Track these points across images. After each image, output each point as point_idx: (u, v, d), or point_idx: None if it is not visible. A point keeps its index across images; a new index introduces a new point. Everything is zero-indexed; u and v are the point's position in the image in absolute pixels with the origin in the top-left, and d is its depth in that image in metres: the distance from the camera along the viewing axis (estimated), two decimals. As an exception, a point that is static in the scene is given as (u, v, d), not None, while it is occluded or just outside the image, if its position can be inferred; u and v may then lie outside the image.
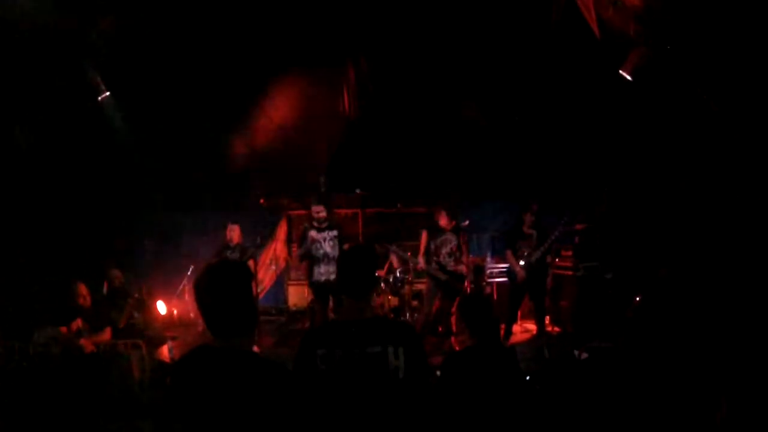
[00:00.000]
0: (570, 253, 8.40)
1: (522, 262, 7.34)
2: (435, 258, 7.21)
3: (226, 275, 2.17)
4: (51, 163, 7.28)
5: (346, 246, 8.32)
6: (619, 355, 5.70)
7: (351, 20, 7.88)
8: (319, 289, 6.93)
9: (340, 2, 7.56)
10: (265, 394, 2.02)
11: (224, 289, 2.12)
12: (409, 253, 7.84)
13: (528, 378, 5.58)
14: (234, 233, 7.71)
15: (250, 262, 7.23)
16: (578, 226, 8.66)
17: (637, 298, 6.55)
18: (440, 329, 7.63)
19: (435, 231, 7.26)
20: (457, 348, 3.84)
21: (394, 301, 8.78)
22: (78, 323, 5.67)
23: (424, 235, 7.34)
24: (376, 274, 2.76)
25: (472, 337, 3.58)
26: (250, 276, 2.26)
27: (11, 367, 5.41)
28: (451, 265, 7.17)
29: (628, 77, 6.64)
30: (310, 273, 7.01)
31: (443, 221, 7.22)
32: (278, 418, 2.01)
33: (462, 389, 3.26)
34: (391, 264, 8.83)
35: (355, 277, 2.59)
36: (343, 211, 10.74)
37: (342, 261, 2.73)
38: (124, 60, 6.69)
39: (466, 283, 7.65)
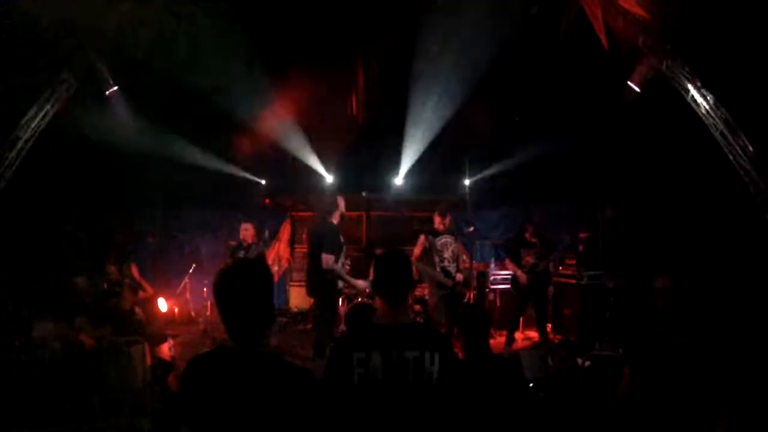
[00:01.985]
0: (573, 261, 8.41)
1: (527, 270, 7.34)
2: (439, 264, 7.15)
3: (247, 276, 2.14)
4: (54, 157, 7.29)
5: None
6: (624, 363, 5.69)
7: (361, 23, 7.89)
8: None
9: (350, 5, 7.56)
10: (289, 398, 2.00)
11: (245, 290, 2.09)
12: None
13: (531, 385, 5.60)
14: (248, 233, 7.61)
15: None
16: (582, 235, 8.67)
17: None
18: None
19: (433, 234, 7.16)
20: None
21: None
22: (79, 319, 5.66)
23: (421, 239, 7.21)
24: (412, 279, 2.75)
25: (463, 347, 3.61)
26: (270, 275, 2.21)
27: (11, 361, 5.42)
28: (454, 269, 7.10)
29: (637, 88, 6.63)
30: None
31: (437, 223, 7.13)
32: (300, 422, 1.99)
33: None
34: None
35: (393, 281, 2.60)
36: (348, 214, 10.72)
37: (379, 266, 2.70)
38: (133, 55, 6.70)
39: (468, 293, 7.61)
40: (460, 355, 3.94)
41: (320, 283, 6.04)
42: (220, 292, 2.11)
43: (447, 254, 6.97)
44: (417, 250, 7.07)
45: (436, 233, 7.03)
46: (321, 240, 5.98)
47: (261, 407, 1.97)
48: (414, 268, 7.13)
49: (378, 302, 2.65)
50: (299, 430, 1.99)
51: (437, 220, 7.08)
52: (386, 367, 2.41)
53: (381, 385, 2.41)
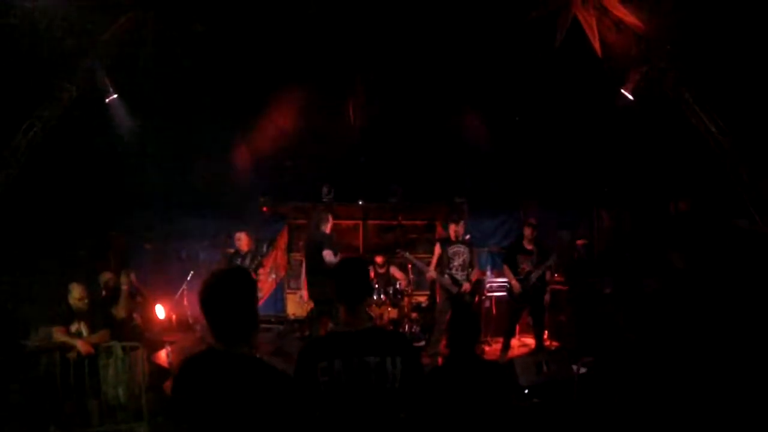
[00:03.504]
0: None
1: (521, 277, 7.39)
2: (447, 270, 7.25)
3: (230, 283, 2.26)
4: (53, 163, 7.33)
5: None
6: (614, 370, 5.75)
7: (359, 34, 7.97)
8: None
9: (349, 16, 7.65)
10: (267, 397, 2.10)
11: (228, 296, 2.21)
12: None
13: (526, 391, 5.64)
14: (242, 242, 7.72)
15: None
16: (578, 242, 8.72)
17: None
18: None
19: (447, 243, 7.35)
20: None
21: (393, 312, 8.78)
22: (77, 324, 5.68)
23: (437, 248, 7.46)
24: (370, 284, 2.84)
25: (446, 348, 3.65)
26: (253, 283, 2.35)
27: (8, 366, 5.43)
28: (464, 277, 7.20)
29: (630, 96, 6.72)
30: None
31: (453, 233, 7.32)
32: (278, 420, 2.08)
33: (438, 403, 3.28)
34: (392, 276, 8.87)
35: (351, 286, 2.66)
36: (344, 222, 10.78)
37: (338, 272, 2.76)
38: (133, 62, 6.78)
39: (476, 298, 7.69)
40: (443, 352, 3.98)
41: (322, 286, 6.36)
42: (203, 296, 2.23)
43: (457, 262, 7.24)
44: (434, 260, 7.43)
45: (449, 242, 7.32)
46: (320, 242, 6.48)
47: (240, 405, 2.07)
48: (430, 274, 7.35)
49: (340, 309, 2.69)
50: (276, 428, 2.08)
51: (451, 229, 7.32)
52: (348, 374, 2.45)
53: (345, 392, 2.45)
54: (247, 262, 7.49)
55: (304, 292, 7.54)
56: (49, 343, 5.56)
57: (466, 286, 7.12)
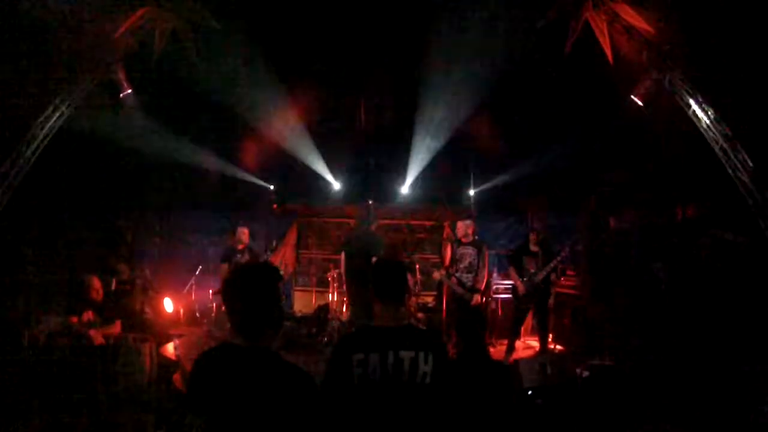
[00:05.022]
0: (574, 272, 8.47)
1: (525, 279, 7.42)
2: (454, 272, 7.29)
3: (254, 276, 2.28)
4: (67, 157, 7.44)
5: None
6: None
7: (370, 34, 8.04)
8: None
9: (362, 19, 7.72)
10: (286, 392, 2.12)
11: (251, 290, 2.22)
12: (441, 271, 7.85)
13: (530, 393, 5.68)
14: (244, 236, 7.84)
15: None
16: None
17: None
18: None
19: (457, 243, 7.39)
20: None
21: (400, 312, 8.82)
22: (89, 315, 5.78)
23: (448, 249, 7.46)
24: (407, 284, 2.93)
25: (456, 347, 3.73)
26: (278, 278, 2.35)
27: (20, 355, 5.52)
28: (469, 280, 7.24)
29: (639, 102, 6.73)
30: None
31: (461, 233, 7.33)
32: (296, 416, 2.10)
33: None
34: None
35: (391, 286, 2.76)
36: (353, 222, 10.86)
37: (378, 272, 2.86)
38: (146, 57, 6.87)
39: (483, 300, 7.70)
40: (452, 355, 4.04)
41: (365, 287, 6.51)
42: (227, 290, 2.26)
43: (463, 264, 7.24)
44: (446, 260, 7.44)
45: (459, 242, 7.34)
46: (367, 245, 6.77)
47: (259, 400, 2.09)
48: (436, 275, 7.41)
49: (376, 306, 2.77)
50: (293, 424, 2.10)
51: (459, 228, 7.36)
52: (383, 367, 2.53)
53: (378, 384, 2.52)
54: (246, 258, 7.60)
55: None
56: (61, 332, 5.65)
57: (476, 299, 7.06)
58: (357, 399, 2.52)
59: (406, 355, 2.55)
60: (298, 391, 2.13)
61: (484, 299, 7.61)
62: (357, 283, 7.12)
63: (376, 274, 2.83)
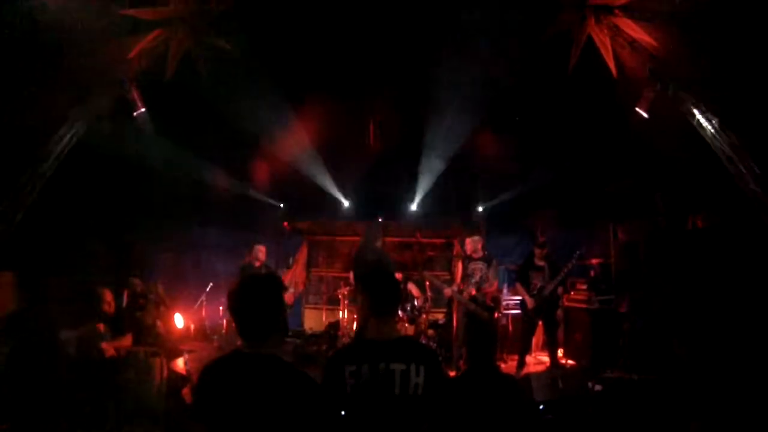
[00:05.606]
0: (584, 286, 8.44)
1: (534, 293, 7.41)
2: (467, 287, 7.31)
3: (258, 285, 2.38)
4: (81, 172, 7.59)
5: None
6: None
7: (378, 53, 8.18)
8: None
9: (372, 36, 7.87)
10: (291, 397, 2.18)
11: (256, 297, 2.31)
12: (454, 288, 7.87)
13: (541, 407, 5.63)
14: (261, 253, 8.00)
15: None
16: (593, 261, 8.70)
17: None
18: None
19: (468, 260, 7.43)
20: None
21: (410, 329, 8.83)
22: (100, 327, 5.84)
23: (459, 265, 7.52)
24: (399, 297, 2.95)
25: (466, 362, 3.73)
26: (282, 288, 2.45)
27: (31, 365, 5.56)
28: (481, 296, 7.24)
29: (644, 114, 6.77)
30: None
31: (470, 249, 7.37)
32: (301, 420, 2.16)
33: (456, 413, 3.34)
34: (409, 293, 8.93)
35: (382, 297, 2.77)
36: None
37: (368, 283, 2.85)
38: (159, 75, 7.05)
39: (495, 315, 7.69)
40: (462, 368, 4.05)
41: None
42: (232, 299, 2.35)
43: (474, 279, 7.31)
44: (457, 277, 7.57)
45: (470, 258, 7.39)
46: (378, 262, 7.03)
47: (264, 404, 2.14)
48: (447, 291, 7.44)
49: (368, 319, 2.79)
50: (297, 429, 2.16)
51: (468, 244, 7.44)
52: (374, 379, 2.55)
53: (370, 396, 2.55)
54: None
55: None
56: (72, 344, 5.69)
57: (472, 290, 7.17)
58: (350, 410, 2.55)
59: (397, 367, 2.57)
60: (302, 396, 2.19)
61: (496, 314, 7.61)
62: None
63: (369, 287, 2.83)
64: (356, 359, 2.59)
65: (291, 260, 8.93)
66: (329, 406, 2.47)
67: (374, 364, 2.57)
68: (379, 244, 7.12)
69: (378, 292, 2.77)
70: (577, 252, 7.40)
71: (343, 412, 2.54)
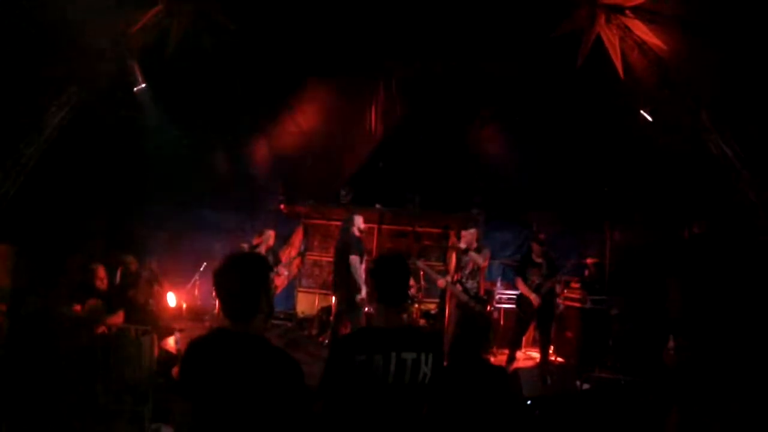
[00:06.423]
0: (578, 285, 8.46)
1: (533, 290, 7.42)
2: (458, 279, 7.30)
3: (244, 263, 2.36)
4: (74, 148, 7.52)
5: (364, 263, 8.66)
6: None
7: (382, 40, 8.10)
8: None
9: (376, 22, 7.78)
10: (272, 375, 2.19)
11: (241, 275, 2.29)
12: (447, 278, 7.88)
13: (529, 402, 5.67)
14: (271, 239, 8.20)
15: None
16: (588, 261, 8.72)
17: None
18: None
19: (461, 252, 7.40)
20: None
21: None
22: (92, 303, 5.82)
23: (454, 257, 7.49)
24: (408, 284, 2.90)
25: (449, 353, 3.71)
26: (267, 267, 2.42)
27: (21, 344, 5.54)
28: (474, 287, 7.26)
29: (649, 117, 6.74)
30: None
31: (466, 243, 7.34)
32: (280, 399, 2.17)
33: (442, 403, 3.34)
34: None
35: (393, 285, 2.68)
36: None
37: (379, 270, 2.75)
38: (160, 53, 6.97)
39: (488, 307, 7.70)
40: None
41: (345, 289, 6.95)
42: (218, 276, 2.32)
43: (468, 270, 7.24)
44: (451, 267, 7.51)
45: (464, 250, 7.31)
46: (347, 246, 6.98)
47: (246, 382, 2.16)
48: (441, 282, 7.44)
49: (376, 306, 2.76)
50: (279, 408, 2.17)
51: (463, 237, 7.39)
52: (386, 369, 2.49)
53: (382, 386, 2.49)
54: (270, 259, 7.69)
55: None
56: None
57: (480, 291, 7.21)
58: (360, 400, 2.50)
59: (408, 356, 2.52)
60: (283, 376, 2.20)
61: (489, 307, 7.63)
62: (336, 286, 7.43)
63: (376, 272, 2.74)
64: (366, 348, 2.50)
65: (302, 248, 8.97)
66: (323, 401, 2.46)
67: (386, 353, 2.50)
68: (355, 230, 7.11)
69: (388, 280, 2.69)
70: (577, 255, 7.40)
71: (352, 403, 2.50)
